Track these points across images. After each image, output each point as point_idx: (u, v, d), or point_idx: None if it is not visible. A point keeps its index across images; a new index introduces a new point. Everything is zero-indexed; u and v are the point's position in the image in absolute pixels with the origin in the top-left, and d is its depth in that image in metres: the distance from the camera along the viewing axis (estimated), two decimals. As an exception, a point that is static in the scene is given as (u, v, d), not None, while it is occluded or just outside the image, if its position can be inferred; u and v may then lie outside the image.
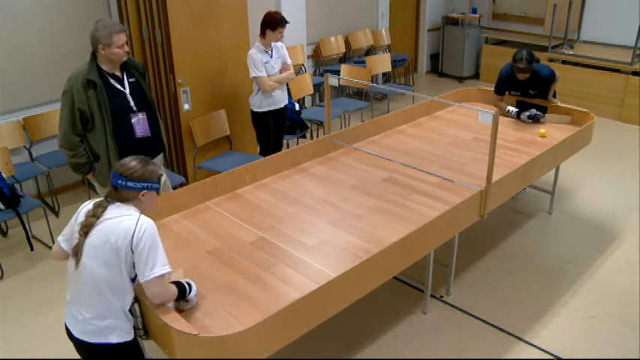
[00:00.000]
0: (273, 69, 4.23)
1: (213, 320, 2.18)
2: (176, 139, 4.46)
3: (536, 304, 3.42)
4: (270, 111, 4.32)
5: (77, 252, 2.00)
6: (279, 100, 4.35)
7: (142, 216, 2.04)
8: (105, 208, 2.04)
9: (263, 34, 4.13)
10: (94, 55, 3.03)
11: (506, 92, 4.43)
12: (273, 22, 4.07)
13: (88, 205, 2.10)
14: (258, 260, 2.58)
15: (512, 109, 4.40)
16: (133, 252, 1.98)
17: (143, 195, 2.08)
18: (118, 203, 2.06)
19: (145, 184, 2.07)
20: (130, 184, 2.04)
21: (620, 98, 6.53)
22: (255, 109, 4.31)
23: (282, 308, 2.08)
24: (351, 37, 7.16)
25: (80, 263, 2.00)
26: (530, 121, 4.29)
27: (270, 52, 4.19)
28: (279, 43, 4.28)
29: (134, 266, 2.01)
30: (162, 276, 2.01)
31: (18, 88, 4.45)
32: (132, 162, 2.08)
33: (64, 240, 2.12)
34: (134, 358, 2.18)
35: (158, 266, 1.99)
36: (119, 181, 2.05)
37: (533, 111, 4.30)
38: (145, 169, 2.08)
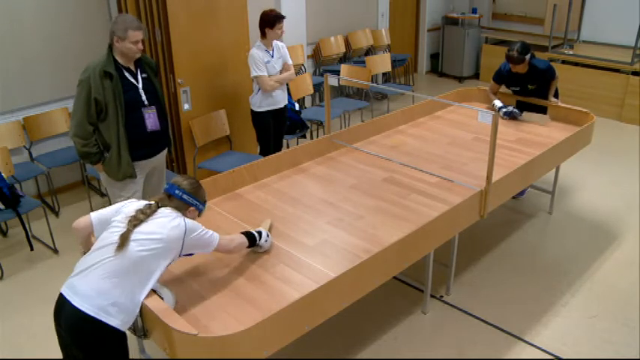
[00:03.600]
0: (274, 69, 4.23)
1: (213, 320, 2.18)
2: (176, 139, 4.46)
3: (536, 304, 3.42)
4: (269, 111, 4.32)
5: (124, 240, 2.09)
6: (279, 100, 4.35)
7: (187, 218, 2.25)
8: (154, 211, 2.19)
9: (263, 33, 4.13)
10: (110, 48, 3.17)
11: (504, 85, 4.48)
12: (271, 20, 4.09)
13: (139, 202, 2.26)
14: (258, 260, 2.58)
15: (497, 103, 4.45)
16: (185, 243, 2.17)
17: (189, 211, 2.30)
18: (169, 208, 2.23)
19: (196, 202, 2.31)
20: (185, 196, 2.27)
21: (620, 98, 6.53)
22: (255, 109, 4.32)
23: (282, 308, 2.08)
24: (351, 37, 7.16)
25: (123, 250, 2.08)
26: (507, 118, 4.36)
27: (271, 52, 4.20)
28: (280, 43, 4.29)
29: (181, 253, 2.22)
30: (220, 237, 2.31)
31: (18, 88, 4.45)
32: (190, 179, 2.32)
33: (98, 220, 2.25)
34: (120, 350, 2.15)
35: (213, 234, 2.29)
36: (176, 191, 2.26)
37: (510, 108, 4.37)
38: (199, 190, 2.33)
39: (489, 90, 4.57)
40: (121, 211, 2.21)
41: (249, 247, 2.51)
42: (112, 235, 2.11)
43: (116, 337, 2.09)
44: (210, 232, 2.29)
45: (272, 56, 4.20)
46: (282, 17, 4.13)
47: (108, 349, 2.11)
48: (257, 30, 4.18)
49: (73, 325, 2.08)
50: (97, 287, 2.05)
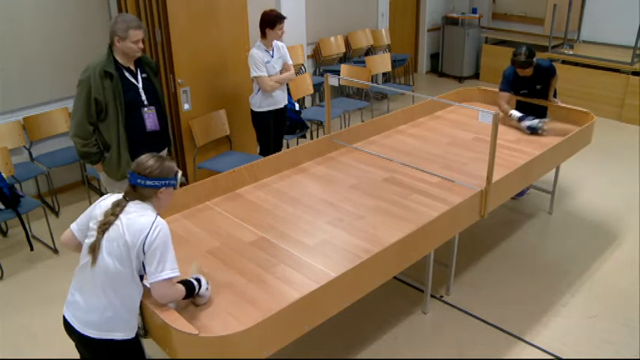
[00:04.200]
0: (274, 69, 4.22)
1: (213, 320, 2.18)
2: (176, 139, 4.46)
3: (536, 304, 3.42)
4: (270, 111, 4.32)
5: (94, 249, 2.03)
6: (279, 100, 4.35)
7: (159, 218, 2.07)
8: (123, 207, 2.07)
9: (263, 33, 4.13)
10: (110, 48, 3.15)
11: (513, 91, 4.33)
12: (271, 20, 4.08)
13: (106, 200, 2.13)
14: (258, 260, 2.58)
15: (514, 113, 4.19)
16: (144, 253, 2.01)
17: (161, 192, 2.12)
18: (137, 201, 2.10)
19: (163, 182, 2.10)
20: (149, 182, 2.07)
21: (620, 98, 6.53)
22: (255, 109, 4.31)
23: (282, 308, 2.08)
24: (351, 37, 7.16)
25: (97, 262, 2.02)
26: (529, 132, 4.10)
27: (271, 52, 4.19)
28: (280, 43, 4.29)
29: (143, 265, 2.04)
30: (170, 279, 2.04)
31: (18, 88, 4.45)
32: (149, 161, 2.09)
33: (78, 229, 2.18)
34: (136, 356, 2.18)
35: (167, 269, 2.03)
36: (138, 180, 2.07)
37: (535, 122, 4.07)
38: (162, 167, 2.10)
39: (501, 101, 4.31)
40: (95, 215, 2.10)
41: (185, 298, 2.18)
42: (88, 245, 2.07)
43: (127, 345, 2.10)
44: (175, 265, 2.05)
45: (272, 56, 4.20)
46: (283, 18, 4.13)
47: (123, 358, 2.13)
48: (257, 30, 4.18)
49: (85, 346, 2.12)
50: (92, 308, 2.04)
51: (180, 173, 2.20)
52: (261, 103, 4.28)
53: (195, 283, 2.22)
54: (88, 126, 3.14)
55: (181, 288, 2.13)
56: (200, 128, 4.42)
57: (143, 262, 2.04)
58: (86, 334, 2.04)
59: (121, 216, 2.04)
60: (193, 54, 4.26)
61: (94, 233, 2.05)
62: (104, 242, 2.02)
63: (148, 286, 2.11)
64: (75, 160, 4.52)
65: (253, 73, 4.15)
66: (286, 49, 4.36)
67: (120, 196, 2.13)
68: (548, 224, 4.35)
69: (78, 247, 2.19)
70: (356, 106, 6.03)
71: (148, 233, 2.00)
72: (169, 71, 4.22)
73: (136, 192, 2.10)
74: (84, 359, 2.28)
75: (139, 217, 2.04)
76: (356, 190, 3.29)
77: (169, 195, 2.17)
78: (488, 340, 3.14)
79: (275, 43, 4.23)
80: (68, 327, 2.12)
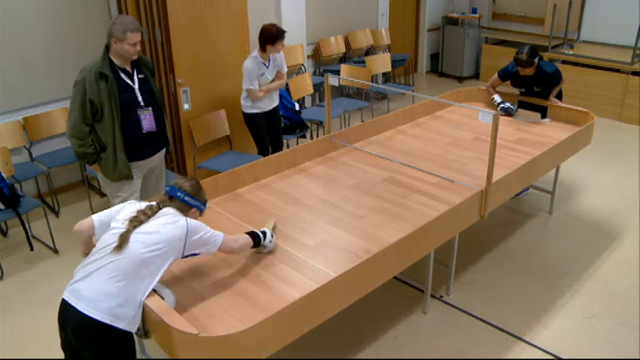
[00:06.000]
0: (267, 79, 4.25)
1: (213, 320, 2.18)
2: (176, 139, 4.46)
3: (536, 304, 3.42)
4: (260, 112, 4.34)
5: (124, 241, 2.08)
6: (269, 102, 4.38)
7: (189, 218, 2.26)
8: (155, 211, 2.19)
9: (263, 48, 4.11)
10: (107, 49, 3.15)
11: (510, 84, 4.51)
12: (272, 36, 4.05)
13: (132, 205, 2.25)
14: (258, 260, 2.58)
15: (497, 98, 4.49)
16: (186, 243, 2.17)
17: (192, 212, 2.31)
18: (171, 208, 2.24)
19: (197, 202, 2.32)
20: (187, 198, 2.29)
21: (620, 98, 6.53)
22: (246, 111, 4.34)
23: (282, 308, 2.08)
24: (351, 37, 7.16)
25: (122, 250, 2.07)
26: (503, 113, 4.43)
27: (267, 64, 4.19)
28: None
29: (187, 255, 2.22)
30: (224, 237, 2.30)
31: (18, 88, 4.45)
32: (191, 181, 2.33)
33: (99, 222, 2.26)
34: (129, 351, 2.17)
35: (217, 235, 2.29)
36: (178, 193, 2.27)
37: (508, 104, 4.44)
38: (200, 191, 2.34)
39: (490, 84, 4.56)
40: (122, 212, 2.21)
41: (253, 247, 2.51)
42: (113, 236, 2.11)
43: (124, 338, 2.10)
44: (214, 232, 2.29)
45: (267, 67, 4.20)
46: (284, 32, 4.10)
47: (117, 351, 2.11)
48: (257, 29, 4.17)
49: (81, 331, 2.07)
50: (102, 290, 2.04)
51: (207, 203, 2.42)
52: (251, 105, 4.30)
53: (261, 235, 2.54)
54: (83, 127, 3.14)
55: (245, 237, 2.45)
56: (200, 128, 4.43)
57: (192, 252, 2.23)
58: (88, 314, 2.02)
59: (155, 217, 2.17)
60: (193, 54, 4.27)
61: (124, 226, 2.12)
62: (137, 236, 2.09)
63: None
64: (75, 160, 4.51)
65: (245, 85, 4.18)
66: (284, 56, 4.34)
67: (153, 203, 2.26)
68: (548, 224, 4.35)
69: (89, 239, 2.29)
70: (356, 106, 6.03)
71: (188, 228, 2.17)
72: (169, 71, 4.23)
73: (171, 202, 2.26)
74: (75, 356, 2.26)
75: (173, 216, 2.19)
76: (356, 190, 3.29)
77: (196, 217, 2.35)
78: (488, 340, 3.14)
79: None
80: (66, 310, 2.08)
